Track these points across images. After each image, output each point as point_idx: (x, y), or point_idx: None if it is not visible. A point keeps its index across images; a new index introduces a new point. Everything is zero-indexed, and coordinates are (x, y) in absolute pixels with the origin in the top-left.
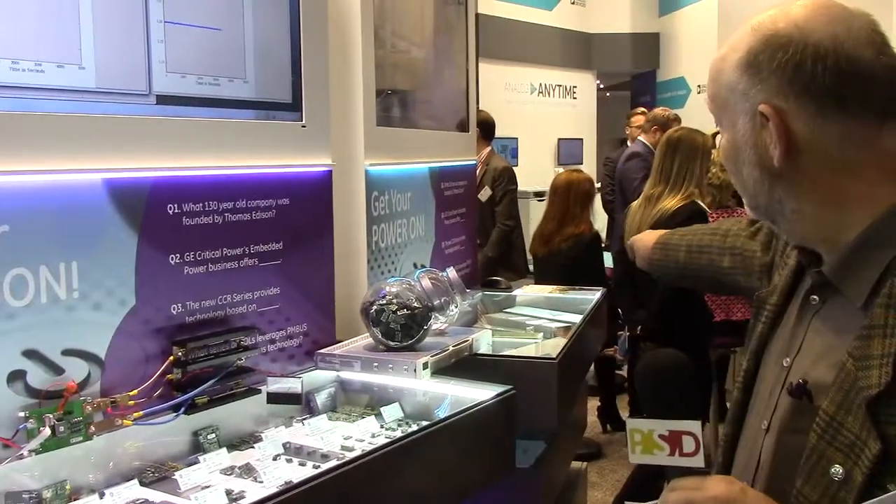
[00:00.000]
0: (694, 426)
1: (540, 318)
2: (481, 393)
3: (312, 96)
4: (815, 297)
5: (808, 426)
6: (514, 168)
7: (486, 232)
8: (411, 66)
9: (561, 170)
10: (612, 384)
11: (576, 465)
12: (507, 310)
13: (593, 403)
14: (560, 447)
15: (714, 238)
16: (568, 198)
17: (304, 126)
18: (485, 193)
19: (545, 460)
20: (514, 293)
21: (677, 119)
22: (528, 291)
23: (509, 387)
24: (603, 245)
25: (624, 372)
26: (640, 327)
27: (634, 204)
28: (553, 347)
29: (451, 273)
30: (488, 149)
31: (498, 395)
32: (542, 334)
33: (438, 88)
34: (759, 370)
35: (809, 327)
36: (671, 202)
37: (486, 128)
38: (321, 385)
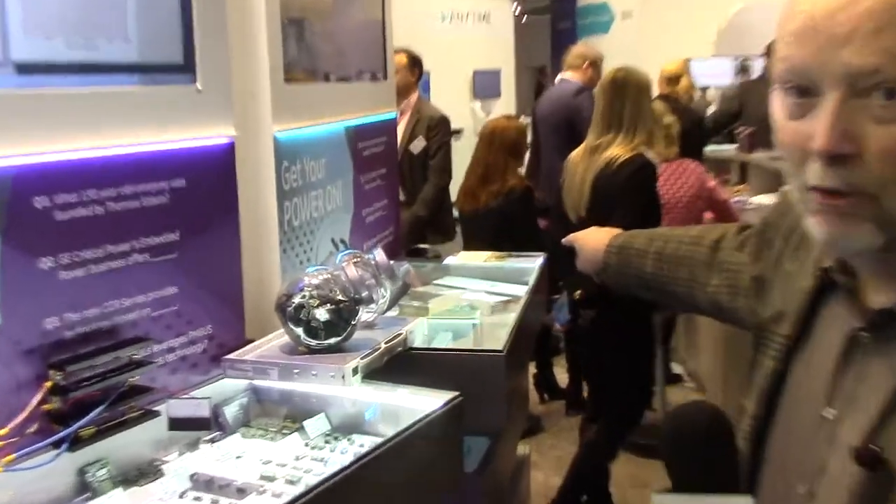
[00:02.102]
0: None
1: (475, 291)
2: (423, 402)
3: (208, 54)
4: (865, 333)
5: (884, 499)
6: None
7: (414, 188)
8: (317, 3)
9: (478, 105)
10: (548, 350)
11: (519, 450)
12: (438, 282)
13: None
14: (507, 440)
15: (698, 249)
16: (491, 148)
17: (199, 91)
18: (418, 145)
19: (491, 458)
20: (444, 262)
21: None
22: (460, 260)
23: (455, 394)
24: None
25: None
26: (579, 291)
27: (574, 155)
28: (494, 329)
29: (379, 255)
30: (416, 94)
31: (445, 404)
32: (479, 311)
33: (348, 26)
34: (777, 417)
35: (860, 371)
36: (617, 152)
37: (414, 65)
38: (231, 396)
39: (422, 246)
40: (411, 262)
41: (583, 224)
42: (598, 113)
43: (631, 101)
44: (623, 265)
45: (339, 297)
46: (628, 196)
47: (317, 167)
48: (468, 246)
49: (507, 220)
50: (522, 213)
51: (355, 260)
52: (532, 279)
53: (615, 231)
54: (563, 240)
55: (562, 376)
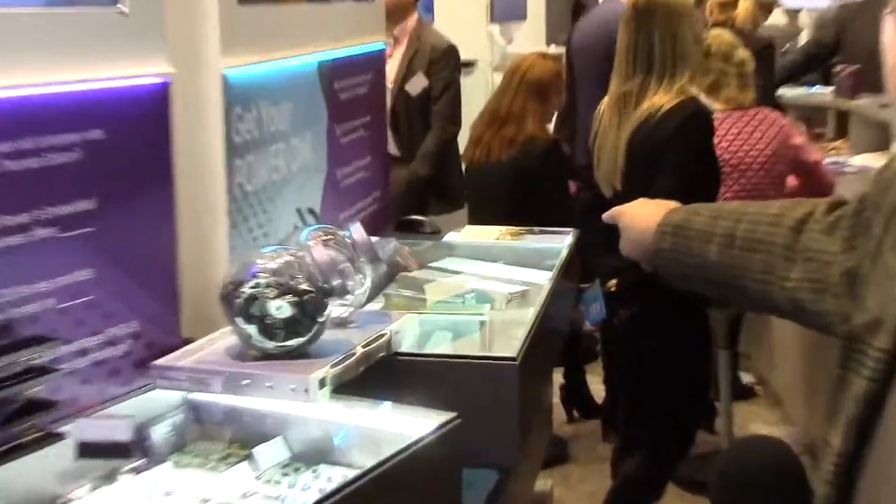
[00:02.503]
0: None
1: (484, 278)
2: (411, 425)
3: None
4: None
5: None
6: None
7: (413, 140)
8: None
9: (497, 30)
10: (579, 354)
11: (538, 483)
12: (435, 264)
13: (555, 378)
14: (521, 473)
15: (776, 232)
16: (509, 86)
17: (123, 13)
18: (417, 84)
19: (500, 497)
20: (444, 239)
21: None
22: (465, 237)
23: (452, 414)
24: (566, 158)
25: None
26: (615, 280)
27: (601, 109)
28: (508, 329)
29: (357, 231)
30: (414, 17)
31: (439, 427)
32: (488, 306)
33: None
34: (870, 454)
35: None
36: (658, 100)
37: None
38: (161, 414)
39: (415, 217)
40: (401, 238)
41: (619, 200)
42: (622, 51)
43: (662, 32)
44: (680, 251)
45: (304, 287)
46: (675, 157)
47: (279, 115)
48: (476, 218)
49: (525, 182)
50: (546, 173)
51: (326, 237)
52: (558, 263)
53: (670, 205)
54: (605, 215)
55: (597, 388)
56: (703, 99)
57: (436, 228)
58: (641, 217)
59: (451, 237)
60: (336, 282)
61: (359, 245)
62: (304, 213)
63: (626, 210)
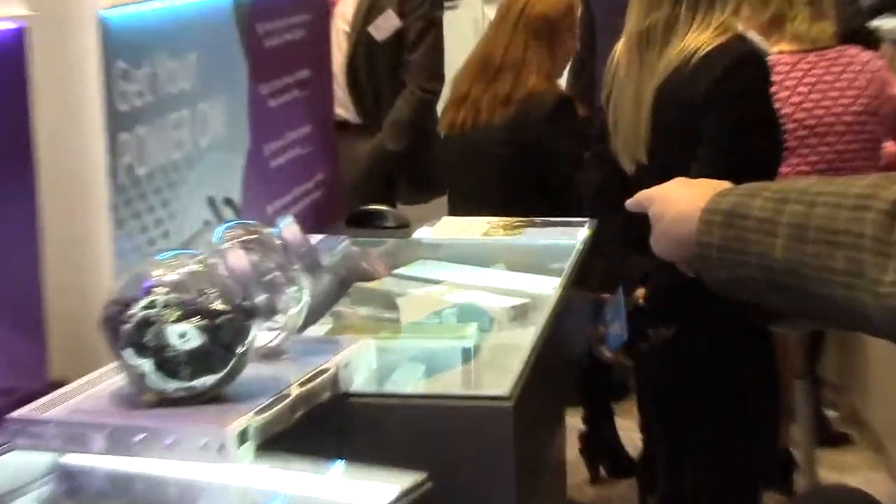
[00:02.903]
0: None
1: (468, 289)
2: (366, 492)
3: None
4: None
5: None
6: None
7: (378, 101)
8: None
9: None
10: (605, 389)
11: None
12: (403, 270)
13: (572, 423)
14: None
15: (864, 218)
16: (503, 26)
17: None
18: (385, 25)
19: None
20: (415, 236)
21: None
22: (442, 232)
23: (421, 476)
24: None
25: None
26: (642, 291)
27: (617, 54)
28: (500, 357)
29: (290, 230)
30: None
31: (403, 494)
32: (474, 327)
33: None
34: None
35: None
36: (694, 40)
37: None
38: (23, 484)
39: (373, 208)
40: (356, 236)
41: (645, 178)
42: None
43: None
44: (732, 247)
45: (217, 305)
46: (719, 118)
47: (180, 71)
48: (458, 206)
49: (525, 154)
50: (552, 141)
51: (247, 237)
52: (569, 266)
53: (718, 185)
54: (629, 201)
55: (632, 435)
56: (755, 38)
57: (403, 221)
58: (679, 202)
59: (423, 233)
60: (261, 298)
61: (292, 247)
62: (219, 204)
63: (658, 193)
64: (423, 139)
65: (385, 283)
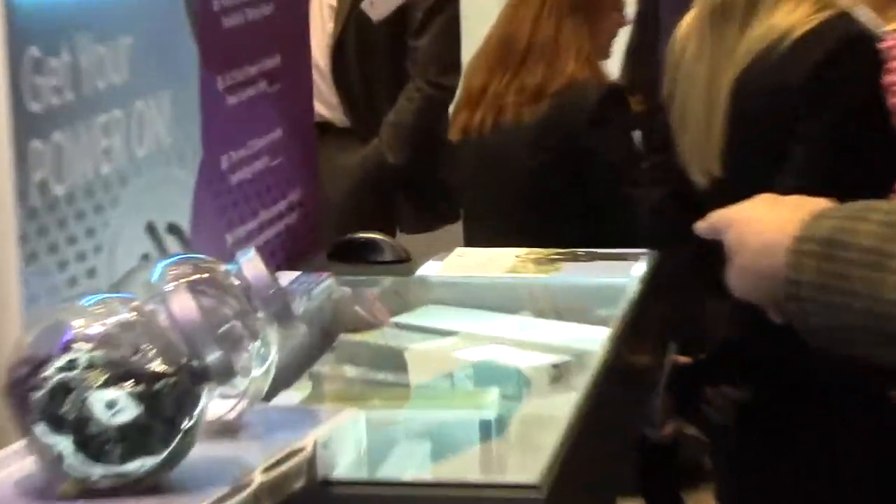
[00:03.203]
0: None
1: (490, 343)
2: None
3: None
4: None
5: None
6: None
7: (372, 100)
8: None
9: None
10: (671, 476)
11: None
12: (405, 318)
13: None
14: None
15: None
16: (529, 3)
17: None
18: (384, 1)
19: None
20: (420, 273)
21: None
22: (456, 268)
23: None
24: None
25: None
26: (703, 345)
27: (681, 33)
28: (531, 433)
29: (253, 267)
30: None
31: None
32: (496, 392)
33: None
34: None
35: None
36: (781, 18)
37: None
38: None
39: (367, 236)
40: (342, 274)
41: (720, 195)
42: None
43: None
44: (833, 285)
45: (156, 367)
46: (817, 119)
47: (109, 60)
48: (477, 232)
49: (560, 164)
50: (597, 146)
51: (196, 277)
52: (621, 313)
53: (815, 204)
54: (699, 225)
55: None
56: (865, 15)
57: (403, 254)
58: (764, 227)
59: (430, 269)
60: (214, 356)
61: (256, 289)
62: (161, 232)
63: (737, 215)
64: (432, 148)
65: (381, 336)
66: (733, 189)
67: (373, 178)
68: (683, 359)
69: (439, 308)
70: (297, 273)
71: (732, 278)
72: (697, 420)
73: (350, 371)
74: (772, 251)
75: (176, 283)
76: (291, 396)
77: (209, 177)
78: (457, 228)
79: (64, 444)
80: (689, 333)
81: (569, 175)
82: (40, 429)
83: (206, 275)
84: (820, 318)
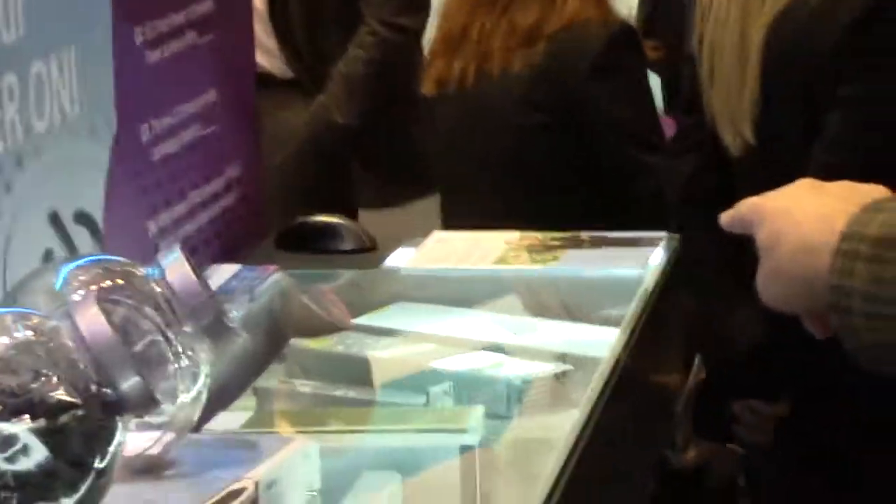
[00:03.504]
0: None
1: (472, 350)
2: None
3: None
4: None
5: None
6: None
7: (317, 47)
8: None
9: None
10: None
11: None
12: (369, 318)
13: None
14: None
15: None
16: None
17: None
18: None
19: None
20: (390, 262)
21: None
22: (432, 255)
23: None
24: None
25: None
26: (731, 353)
27: None
28: (521, 463)
29: (177, 270)
30: None
31: None
32: (480, 411)
33: None
34: None
35: None
36: None
37: None
38: None
39: (323, 220)
40: (292, 267)
41: (752, 169)
42: None
43: None
44: (887, 294)
45: (59, 396)
46: (860, 74)
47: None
48: (453, 209)
49: (558, 124)
50: (603, 102)
51: (109, 284)
52: (632, 312)
53: (868, 192)
54: (724, 217)
55: None
56: None
57: (367, 241)
58: (803, 220)
59: (400, 259)
60: (132, 381)
61: (181, 298)
62: (64, 223)
63: (771, 205)
64: (396, 105)
65: (340, 341)
66: (763, 162)
67: (323, 143)
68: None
69: (411, 306)
70: (237, 266)
71: (762, 282)
72: (726, 440)
73: (302, 386)
74: (813, 250)
75: (84, 292)
76: (230, 419)
77: (126, 153)
78: (431, 205)
79: None
80: (714, 338)
81: (568, 136)
82: None
83: (120, 281)
84: (869, 334)
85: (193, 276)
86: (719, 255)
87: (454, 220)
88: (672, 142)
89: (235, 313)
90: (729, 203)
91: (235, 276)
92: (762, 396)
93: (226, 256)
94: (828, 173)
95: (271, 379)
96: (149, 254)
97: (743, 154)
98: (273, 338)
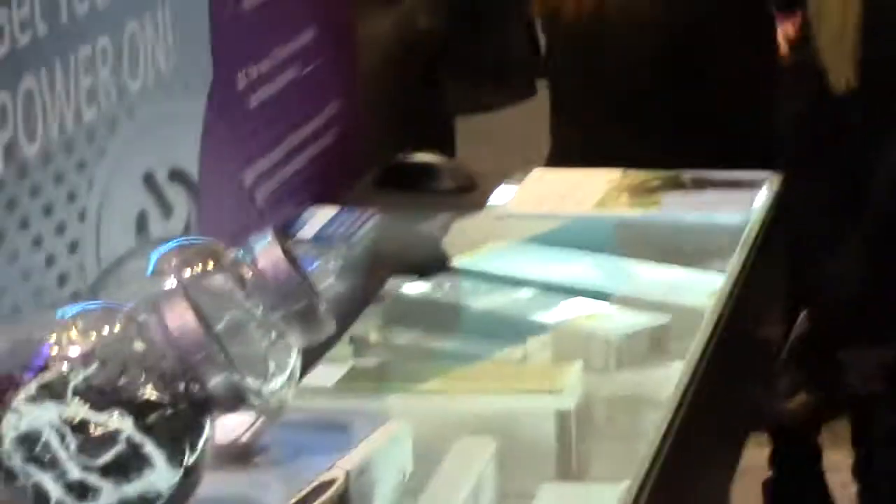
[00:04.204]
0: None
1: (567, 297)
2: None
3: None
4: None
5: None
6: None
7: None
8: None
9: None
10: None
11: None
12: (470, 261)
13: None
14: None
15: None
16: None
17: None
18: None
19: None
20: (489, 203)
21: None
22: (531, 195)
23: None
24: None
25: None
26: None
27: None
28: (615, 421)
29: (270, 257)
30: None
31: None
32: (579, 366)
33: None
34: None
35: None
36: None
37: None
38: None
39: (421, 160)
40: (391, 206)
41: (855, 108)
42: None
43: None
44: None
45: (149, 395)
46: None
47: None
48: (566, 125)
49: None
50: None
51: (199, 268)
52: (738, 259)
53: None
54: None
55: None
56: None
57: (465, 181)
58: None
59: (500, 200)
60: (218, 380)
61: (273, 283)
62: (161, 183)
63: None
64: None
65: (438, 286)
66: (872, 105)
67: (410, 52)
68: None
69: (510, 249)
70: (336, 209)
71: None
72: (833, 390)
73: (399, 337)
74: None
75: (174, 279)
76: (327, 373)
77: (222, 103)
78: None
79: (48, 483)
80: (818, 282)
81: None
82: (24, 468)
83: (210, 266)
84: None
85: (285, 261)
86: (825, 196)
87: (562, 128)
88: (780, 82)
89: (332, 265)
90: (835, 143)
91: (334, 219)
92: (870, 343)
93: (325, 196)
94: None
95: (369, 326)
96: (244, 204)
97: (848, 95)
98: (370, 279)
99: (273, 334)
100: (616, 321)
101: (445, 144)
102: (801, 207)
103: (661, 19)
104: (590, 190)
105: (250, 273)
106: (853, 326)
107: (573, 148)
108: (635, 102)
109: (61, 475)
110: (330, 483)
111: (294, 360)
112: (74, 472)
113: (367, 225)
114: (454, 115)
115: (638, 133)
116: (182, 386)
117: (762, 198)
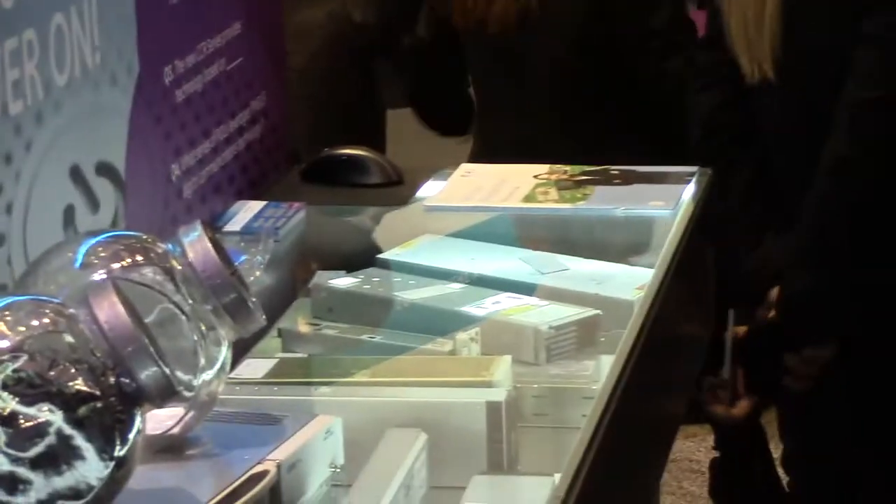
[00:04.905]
0: None
1: (495, 290)
2: None
3: None
4: None
5: None
6: None
7: None
8: None
9: None
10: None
11: None
12: (396, 254)
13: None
14: None
15: None
16: None
17: None
18: None
19: None
20: (417, 196)
21: None
22: (459, 189)
23: None
24: None
25: None
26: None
27: None
28: (546, 415)
29: (199, 249)
30: None
31: None
32: (508, 361)
33: None
34: None
35: None
36: None
37: None
38: None
39: (349, 152)
40: (318, 200)
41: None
42: None
43: None
44: None
45: (79, 387)
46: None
47: None
48: (489, 122)
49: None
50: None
51: (128, 261)
52: (665, 254)
53: None
54: None
55: None
56: None
57: (393, 175)
58: None
59: (428, 194)
60: (149, 372)
61: (203, 276)
62: (86, 177)
63: None
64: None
65: (366, 279)
66: (786, 98)
67: (340, 46)
68: (742, 329)
69: (438, 242)
70: (262, 203)
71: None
72: (776, 394)
73: (328, 329)
74: None
75: (103, 272)
76: (256, 367)
77: (149, 97)
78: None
79: None
80: (742, 284)
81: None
82: None
83: (139, 258)
84: None
85: (214, 254)
86: (743, 191)
87: (486, 123)
88: (695, 78)
89: (260, 258)
90: (751, 137)
91: (261, 212)
92: (814, 343)
93: (252, 191)
94: (865, 109)
95: (297, 319)
96: (171, 198)
97: (763, 88)
98: (298, 270)
99: (203, 327)
100: (545, 314)
101: (376, 139)
102: (720, 202)
103: (582, 23)
104: (518, 184)
105: (179, 266)
106: (790, 326)
107: (498, 146)
108: (559, 101)
109: None
110: (261, 475)
111: (224, 353)
112: (4, 465)
113: (295, 218)
114: (385, 109)
115: (561, 131)
116: (112, 379)
117: (690, 192)
